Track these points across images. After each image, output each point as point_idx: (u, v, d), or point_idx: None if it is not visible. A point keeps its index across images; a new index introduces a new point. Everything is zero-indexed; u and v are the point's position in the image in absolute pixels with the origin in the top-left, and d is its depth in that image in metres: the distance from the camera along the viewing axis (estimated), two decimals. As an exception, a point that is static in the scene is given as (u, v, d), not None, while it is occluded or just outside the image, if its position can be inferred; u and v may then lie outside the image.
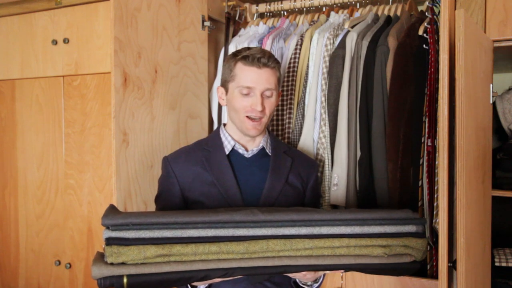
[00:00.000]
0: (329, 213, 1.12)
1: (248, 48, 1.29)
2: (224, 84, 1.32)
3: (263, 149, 1.34)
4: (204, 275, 1.04)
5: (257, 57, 1.24)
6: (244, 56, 1.26)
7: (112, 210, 1.09)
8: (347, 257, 1.07)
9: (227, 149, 1.32)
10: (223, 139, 1.34)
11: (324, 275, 1.28)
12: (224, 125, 1.39)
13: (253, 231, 1.06)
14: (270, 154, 1.35)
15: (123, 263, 1.01)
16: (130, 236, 1.02)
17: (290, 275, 1.16)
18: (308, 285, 1.28)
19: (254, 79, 1.25)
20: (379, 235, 1.10)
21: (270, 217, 1.07)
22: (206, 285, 1.21)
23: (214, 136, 1.37)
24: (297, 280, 1.27)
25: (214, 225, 1.04)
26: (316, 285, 1.28)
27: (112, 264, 1.00)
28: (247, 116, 1.27)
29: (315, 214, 1.10)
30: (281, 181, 1.31)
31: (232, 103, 1.29)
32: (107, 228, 1.03)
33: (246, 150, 1.33)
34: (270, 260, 1.05)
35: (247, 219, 1.06)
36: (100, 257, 1.04)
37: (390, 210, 1.18)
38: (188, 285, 1.19)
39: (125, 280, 0.99)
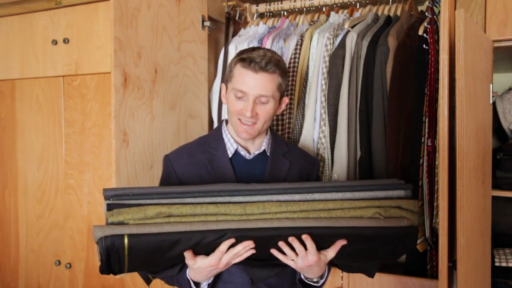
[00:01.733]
0: (320, 182, 1.17)
1: (253, 49, 1.25)
2: (225, 82, 1.31)
3: (264, 152, 1.33)
4: (202, 236, 1.04)
5: (255, 60, 1.19)
6: (243, 58, 1.22)
7: None
8: (344, 219, 1.08)
9: (230, 151, 1.30)
10: (226, 140, 1.32)
11: (329, 271, 1.26)
12: (227, 122, 1.36)
13: (249, 198, 1.08)
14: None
15: (124, 223, 1.02)
16: (131, 203, 1.05)
17: (292, 264, 1.13)
18: (314, 282, 1.26)
19: (248, 84, 1.20)
20: (370, 199, 1.12)
21: (264, 186, 1.10)
22: (210, 281, 1.20)
23: (216, 137, 1.34)
24: (302, 277, 1.26)
25: (210, 193, 1.07)
26: (322, 281, 1.26)
27: (113, 223, 1.02)
28: (239, 119, 1.24)
29: (306, 183, 1.14)
30: None
31: (228, 105, 1.28)
32: (108, 199, 1.05)
33: (248, 152, 1.32)
34: (269, 222, 1.06)
35: (242, 188, 1.09)
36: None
37: (376, 179, 1.19)
38: (192, 284, 1.18)
39: (126, 240, 1.00)
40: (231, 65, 1.26)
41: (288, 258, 1.12)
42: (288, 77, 1.71)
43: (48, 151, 1.89)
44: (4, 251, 2.02)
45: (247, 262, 1.15)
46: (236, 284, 1.24)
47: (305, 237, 1.08)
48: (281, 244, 1.09)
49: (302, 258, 1.11)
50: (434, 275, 1.54)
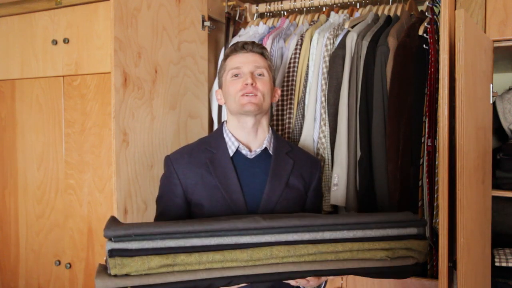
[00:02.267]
0: (331, 218, 1.12)
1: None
2: (219, 82, 1.38)
3: (265, 149, 1.33)
4: (208, 284, 1.03)
5: (241, 44, 1.33)
6: (231, 46, 1.35)
7: (113, 221, 1.08)
8: (351, 261, 1.07)
9: (231, 150, 1.31)
10: (227, 139, 1.32)
11: (326, 280, 1.27)
12: (227, 123, 1.37)
13: (257, 238, 1.05)
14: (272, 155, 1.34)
15: (127, 275, 1.00)
16: (133, 247, 1.01)
17: (292, 282, 1.14)
18: None
19: (242, 60, 1.31)
20: (381, 238, 1.10)
21: (273, 223, 1.07)
22: None
23: (217, 136, 1.35)
24: (300, 287, 1.27)
25: (217, 233, 1.04)
26: None
27: (116, 276, 0.99)
28: (241, 95, 1.28)
29: (317, 219, 1.10)
30: (281, 184, 1.30)
31: (226, 90, 1.32)
32: (110, 240, 1.02)
33: (250, 150, 1.32)
34: (274, 267, 1.05)
35: (250, 226, 1.06)
36: (103, 270, 1.03)
37: (391, 213, 1.20)
38: None
39: None
40: (222, 64, 1.37)
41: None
42: (276, 71, 1.74)
43: (48, 151, 1.89)
44: (4, 251, 2.02)
45: None
46: None
47: (309, 278, 1.10)
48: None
49: (304, 284, 1.14)
50: (434, 275, 1.54)
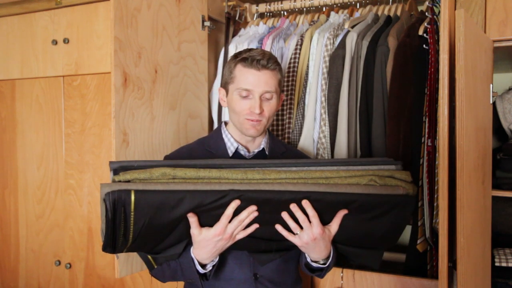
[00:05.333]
0: (316, 159, 1.23)
1: (249, 50, 1.27)
2: (225, 85, 1.31)
3: (263, 150, 1.34)
4: (206, 195, 1.06)
5: (257, 59, 1.22)
6: (244, 57, 1.24)
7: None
8: (341, 185, 1.11)
9: (230, 151, 1.31)
10: (226, 140, 1.33)
11: (332, 254, 1.24)
12: (226, 123, 1.37)
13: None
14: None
15: (130, 181, 1.06)
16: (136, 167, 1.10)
17: (300, 243, 1.14)
18: (320, 264, 1.25)
19: (253, 82, 1.23)
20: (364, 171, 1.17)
21: (262, 161, 1.16)
22: (215, 262, 1.19)
23: (215, 137, 1.36)
24: (308, 260, 1.26)
25: (212, 166, 1.12)
26: (329, 261, 1.25)
27: (119, 181, 1.06)
28: (247, 118, 1.26)
29: (303, 160, 1.21)
30: None
31: (232, 106, 1.28)
32: (114, 171, 1.11)
33: (248, 151, 1.33)
34: (270, 185, 1.08)
35: (242, 162, 1.14)
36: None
37: (368, 158, 1.30)
38: (196, 264, 1.17)
39: (132, 196, 1.02)
40: (230, 67, 1.28)
41: (292, 235, 1.13)
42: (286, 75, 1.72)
43: (48, 151, 1.89)
44: (4, 251, 2.02)
45: (251, 245, 1.17)
46: (239, 280, 1.24)
47: (304, 203, 1.09)
48: (284, 214, 1.11)
49: (306, 230, 1.12)
50: (434, 275, 1.54)
